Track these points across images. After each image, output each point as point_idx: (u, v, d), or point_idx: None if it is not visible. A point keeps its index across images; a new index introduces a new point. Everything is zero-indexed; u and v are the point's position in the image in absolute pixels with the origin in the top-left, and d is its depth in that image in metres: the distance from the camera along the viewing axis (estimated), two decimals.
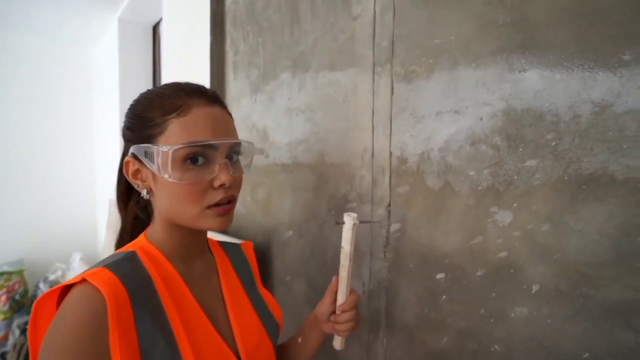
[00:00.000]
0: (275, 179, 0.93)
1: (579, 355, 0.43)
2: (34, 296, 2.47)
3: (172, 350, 0.44)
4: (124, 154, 0.52)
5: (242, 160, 0.54)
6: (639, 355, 0.38)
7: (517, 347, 0.48)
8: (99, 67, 2.79)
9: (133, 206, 0.57)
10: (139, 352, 0.42)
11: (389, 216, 0.63)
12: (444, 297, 0.56)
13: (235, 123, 0.54)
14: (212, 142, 0.47)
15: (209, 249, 0.61)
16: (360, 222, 0.56)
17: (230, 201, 0.51)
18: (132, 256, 0.49)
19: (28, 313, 2.33)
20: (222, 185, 0.48)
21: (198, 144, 0.46)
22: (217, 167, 0.48)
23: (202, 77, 1.20)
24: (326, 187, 0.76)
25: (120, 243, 0.58)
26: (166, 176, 0.46)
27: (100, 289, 0.41)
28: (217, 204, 0.49)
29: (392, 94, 0.62)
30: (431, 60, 0.56)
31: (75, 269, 2.31)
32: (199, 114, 0.48)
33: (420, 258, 0.59)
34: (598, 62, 0.41)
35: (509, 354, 0.49)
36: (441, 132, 0.55)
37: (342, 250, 0.57)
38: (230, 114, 0.54)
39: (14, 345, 2.01)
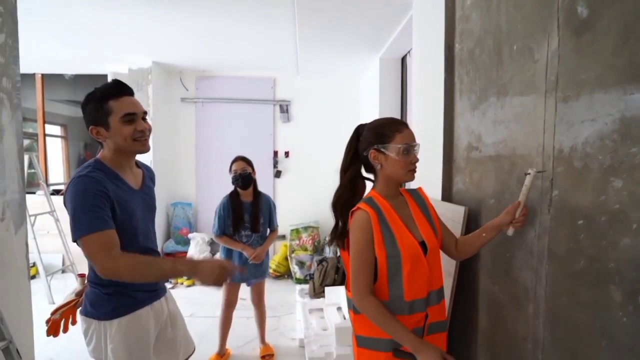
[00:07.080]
0: (484, 166, 1.40)
1: None
2: (323, 246, 3.86)
3: (392, 238, 1.08)
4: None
5: None
6: None
7: None
8: (364, 94, 3.95)
9: (350, 173, 1.19)
10: (383, 240, 1.07)
11: (551, 186, 1.00)
12: (582, 235, 0.89)
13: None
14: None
15: (401, 194, 1.23)
16: (537, 172, 1.03)
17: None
18: (372, 198, 1.16)
19: (321, 254, 3.71)
20: None
21: None
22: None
23: (436, 100, 1.79)
24: (515, 170, 1.17)
25: (341, 194, 1.21)
26: None
27: (368, 212, 1.09)
28: None
29: (555, 110, 0.98)
30: (579, 89, 0.90)
31: None
32: None
33: (569, 212, 0.93)
34: None
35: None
36: (583, 133, 0.89)
37: (524, 186, 1.06)
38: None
39: (316, 270, 3.34)
